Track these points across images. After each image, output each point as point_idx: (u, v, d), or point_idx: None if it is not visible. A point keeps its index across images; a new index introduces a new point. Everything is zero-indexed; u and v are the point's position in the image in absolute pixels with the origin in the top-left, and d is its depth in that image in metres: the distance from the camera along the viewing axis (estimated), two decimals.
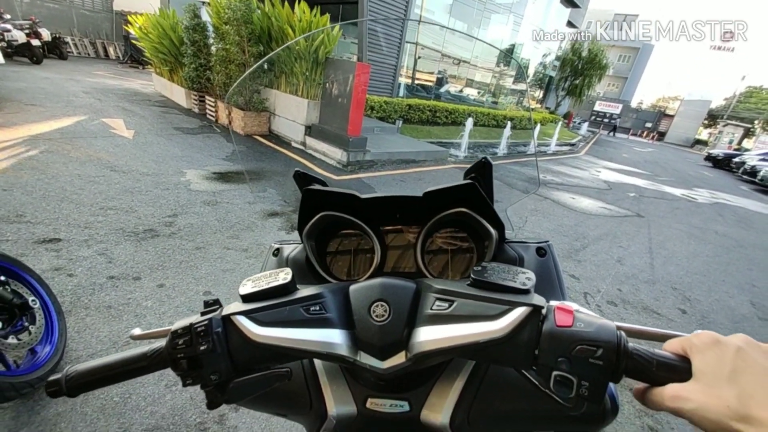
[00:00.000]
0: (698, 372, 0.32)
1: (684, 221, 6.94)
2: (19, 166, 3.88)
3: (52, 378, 0.44)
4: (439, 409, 0.51)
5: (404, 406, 0.52)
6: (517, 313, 0.38)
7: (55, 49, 12.96)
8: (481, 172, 0.62)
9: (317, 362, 0.59)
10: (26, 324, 1.65)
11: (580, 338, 0.35)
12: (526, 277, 0.42)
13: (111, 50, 17.02)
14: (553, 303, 0.39)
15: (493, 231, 0.60)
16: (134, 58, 15.22)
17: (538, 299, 0.39)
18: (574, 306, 0.39)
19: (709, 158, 21.81)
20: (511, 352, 0.38)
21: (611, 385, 0.51)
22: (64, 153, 4.46)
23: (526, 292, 0.40)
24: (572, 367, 0.35)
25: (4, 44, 10.23)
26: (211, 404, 0.43)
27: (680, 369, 0.34)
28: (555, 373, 0.36)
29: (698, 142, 40.18)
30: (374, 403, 0.53)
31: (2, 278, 1.59)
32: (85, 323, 2.09)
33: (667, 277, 4.22)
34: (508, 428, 0.54)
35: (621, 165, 13.42)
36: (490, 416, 0.52)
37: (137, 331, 0.55)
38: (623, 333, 0.36)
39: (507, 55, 18.25)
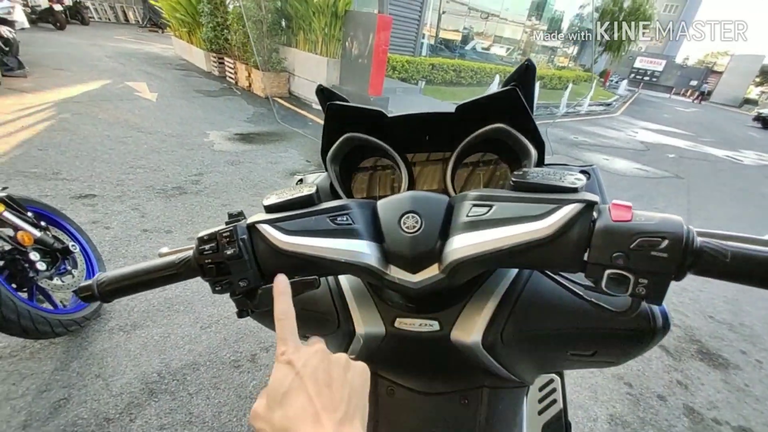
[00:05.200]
0: None
1: (727, 183, 6.49)
2: (51, 127, 4.00)
3: (83, 284, 0.45)
4: (471, 328, 0.48)
5: (434, 326, 0.49)
6: (566, 210, 0.33)
7: (77, 14, 13.05)
8: (523, 79, 0.54)
9: (344, 282, 0.57)
10: (69, 267, 1.74)
11: (642, 230, 0.31)
12: (575, 177, 0.37)
13: (130, 14, 16.98)
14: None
15: (532, 150, 0.53)
16: (154, 22, 15.15)
17: (590, 196, 0.34)
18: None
19: (759, 118, 20.02)
20: (558, 253, 0.34)
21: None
22: (92, 115, 4.56)
23: (574, 190, 0.35)
24: (630, 263, 0.31)
25: (27, 10, 10.34)
26: (241, 312, 0.43)
27: None
28: (608, 271, 0.32)
29: (747, 101, 36.73)
30: (403, 323, 0.50)
31: (42, 224, 1.66)
32: None
33: None
34: (544, 347, 0.50)
35: (660, 125, 12.53)
36: (525, 334, 0.49)
37: (164, 249, 0.54)
38: (692, 227, 0.32)
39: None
